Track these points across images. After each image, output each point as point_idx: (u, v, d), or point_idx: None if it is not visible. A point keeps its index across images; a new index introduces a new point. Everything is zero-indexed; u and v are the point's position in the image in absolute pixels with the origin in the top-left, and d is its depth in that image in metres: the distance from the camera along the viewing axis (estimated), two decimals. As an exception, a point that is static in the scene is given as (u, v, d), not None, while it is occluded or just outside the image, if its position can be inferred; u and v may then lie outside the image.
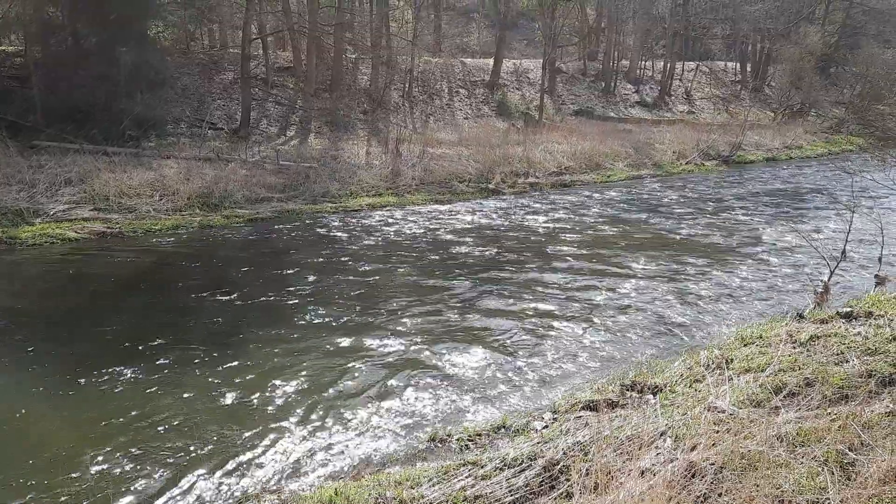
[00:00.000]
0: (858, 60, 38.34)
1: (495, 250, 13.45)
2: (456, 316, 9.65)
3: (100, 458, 5.97)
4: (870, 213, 12.84)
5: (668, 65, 39.58)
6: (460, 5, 48.93)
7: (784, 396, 5.96)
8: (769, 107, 40.90)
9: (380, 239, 14.30)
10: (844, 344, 7.11)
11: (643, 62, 41.14)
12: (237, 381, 7.53)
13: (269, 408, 6.95)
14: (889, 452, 4.62)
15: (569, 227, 15.75)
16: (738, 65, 45.34)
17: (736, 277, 11.66)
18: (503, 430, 6.47)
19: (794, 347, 7.33)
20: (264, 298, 10.31)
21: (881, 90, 32.94)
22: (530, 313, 9.79)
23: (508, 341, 8.77)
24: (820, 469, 4.59)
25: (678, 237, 14.81)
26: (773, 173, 26.13)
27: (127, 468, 5.86)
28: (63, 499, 5.47)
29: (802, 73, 37.08)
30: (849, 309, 8.50)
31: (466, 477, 5.22)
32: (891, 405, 5.46)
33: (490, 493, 4.96)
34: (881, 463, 4.51)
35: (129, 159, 17.75)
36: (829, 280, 9.85)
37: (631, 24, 41.07)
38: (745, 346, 7.86)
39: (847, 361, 6.59)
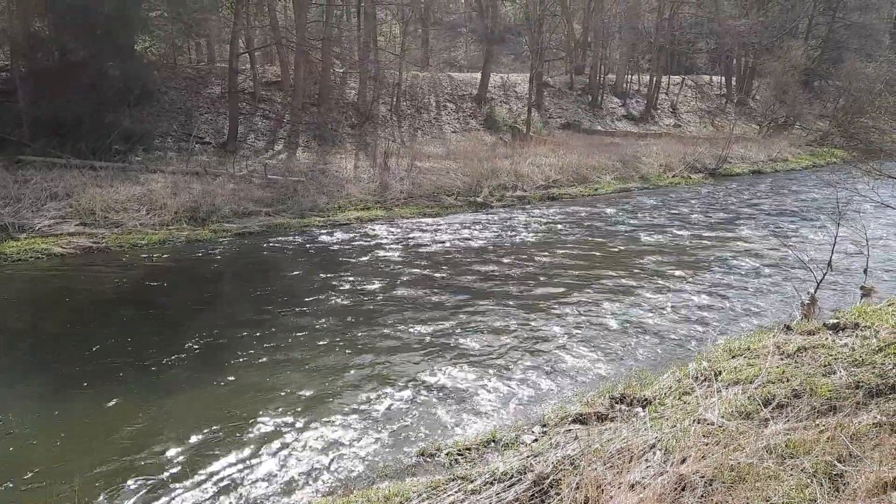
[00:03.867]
0: (841, 74, 38.80)
1: (484, 264, 13.44)
2: (444, 329, 9.63)
3: (83, 474, 5.90)
4: (855, 225, 12.94)
5: (654, 79, 39.88)
6: (448, 20, 49.24)
7: (773, 408, 5.97)
8: (754, 120, 41.27)
9: (368, 253, 14.27)
10: (832, 355, 7.15)
11: (629, 76, 41.45)
12: (223, 396, 7.48)
13: (257, 423, 6.89)
14: (877, 464, 4.63)
15: (557, 240, 15.79)
16: (724, 78, 45.76)
17: (724, 289, 11.71)
18: (493, 443, 6.45)
19: (782, 359, 7.36)
20: (251, 313, 10.25)
21: (864, 104, 33.31)
22: (519, 326, 9.78)
23: (497, 354, 8.75)
24: (809, 481, 4.59)
25: (665, 250, 14.86)
26: (758, 186, 26.33)
27: (110, 484, 5.80)
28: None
29: (787, 87, 37.47)
30: (835, 320, 8.55)
31: (456, 492, 5.19)
32: (878, 416, 5.48)
33: (480, 507, 4.93)
34: (869, 474, 4.52)
35: (115, 174, 17.66)
36: (815, 292, 9.91)
37: (617, 39, 41.37)
38: (733, 357, 7.89)
39: (834, 373, 6.62)
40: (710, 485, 4.64)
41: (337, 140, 26.20)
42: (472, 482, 5.30)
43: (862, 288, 11.08)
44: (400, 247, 14.82)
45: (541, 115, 34.79)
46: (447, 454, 6.25)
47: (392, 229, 16.70)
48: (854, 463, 4.78)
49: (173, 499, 5.66)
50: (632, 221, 18.33)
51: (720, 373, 7.26)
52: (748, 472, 4.74)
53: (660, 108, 40.46)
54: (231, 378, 7.95)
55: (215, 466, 6.10)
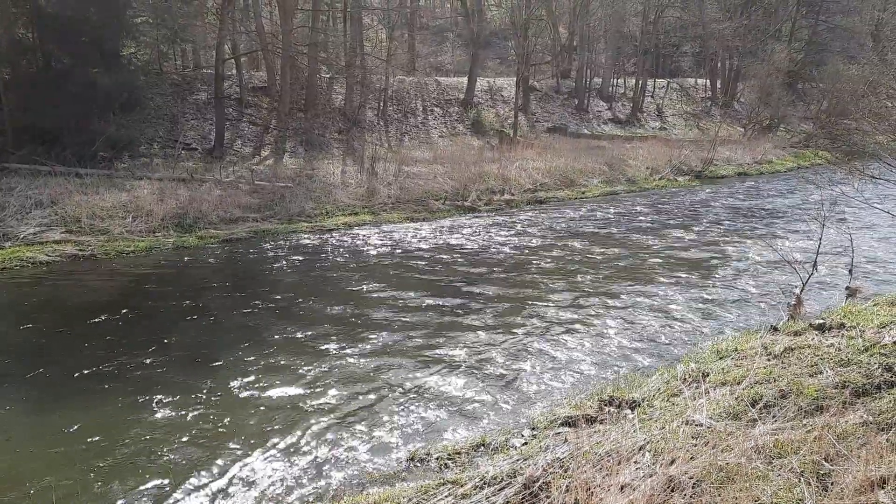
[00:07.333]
0: (824, 76, 39.19)
1: (471, 268, 13.45)
2: (433, 334, 9.62)
3: (69, 485, 5.85)
4: (840, 226, 13.05)
5: (640, 82, 40.13)
6: (434, 24, 49.33)
7: (760, 408, 6.01)
8: (739, 122, 41.57)
9: (355, 258, 14.25)
10: (818, 356, 7.19)
11: (615, 80, 41.67)
12: (211, 404, 7.44)
13: (244, 430, 6.85)
14: (864, 463, 4.66)
15: (544, 244, 15.82)
16: (708, 81, 46.08)
17: (710, 291, 11.77)
18: (482, 447, 6.44)
19: (769, 360, 7.40)
20: (238, 320, 10.22)
21: (847, 105, 33.62)
22: (507, 330, 9.78)
23: (486, 359, 8.75)
24: (797, 480, 4.62)
25: (652, 252, 14.92)
26: (743, 188, 26.50)
27: (96, 495, 5.75)
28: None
29: (771, 90, 37.76)
30: (821, 321, 8.60)
31: (446, 496, 5.18)
32: (865, 416, 5.52)
33: (470, 512, 4.93)
34: (857, 473, 4.55)
35: (101, 181, 17.56)
36: (801, 292, 9.98)
37: (603, 43, 41.60)
38: (720, 359, 7.92)
39: (821, 373, 6.66)
40: (699, 485, 4.66)
41: (324, 145, 26.20)
42: (462, 486, 5.30)
43: (847, 288, 11.17)
44: (388, 251, 14.81)
45: (527, 118, 34.93)
46: (437, 459, 6.23)
47: (380, 234, 16.68)
48: (841, 462, 4.81)
49: (162, 507, 5.63)
50: (618, 224, 18.40)
51: (708, 374, 7.29)
52: (736, 472, 4.76)
53: (646, 111, 40.69)
54: (218, 385, 7.90)
55: (203, 475, 6.05)
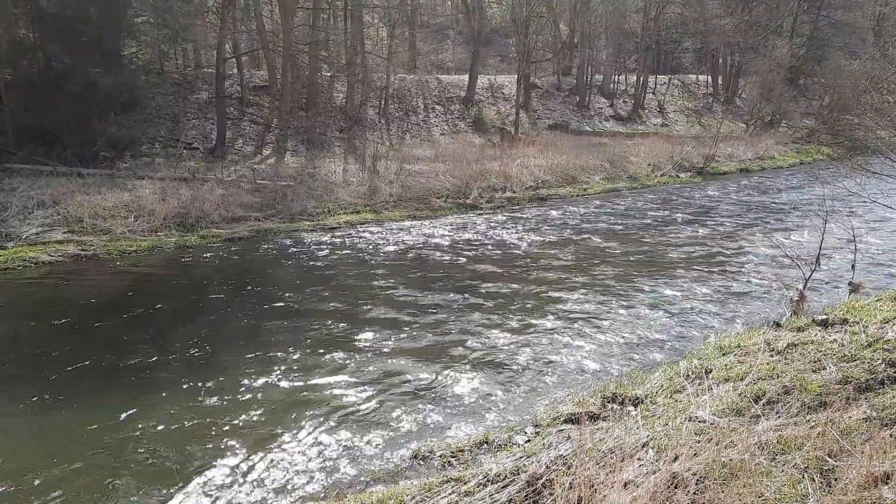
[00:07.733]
0: (826, 72, 39.05)
1: (474, 266, 13.45)
2: (436, 332, 9.62)
3: (72, 484, 5.86)
4: (842, 221, 13.01)
5: (641, 78, 40.05)
6: (435, 22, 49.28)
7: (763, 404, 6.00)
8: (741, 118, 41.47)
9: (358, 256, 14.25)
10: (821, 351, 7.18)
11: (616, 76, 41.59)
12: (214, 403, 7.45)
13: (247, 429, 6.86)
14: (868, 458, 4.65)
15: (546, 240, 15.81)
16: (710, 78, 45.97)
17: (713, 287, 11.75)
18: (486, 445, 6.45)
19: (772, 356, 7.39)
20: (242, 319, 10.22)
21: (848, 101, 33.56)
22: (510, 328, 9.79)
23: (489, 356, 8.76)
24: (801, 476, 4.61)
25: (655, 248, 14.90)
26: (746, 183, 26.45)
27: (99, 494, 5.76)
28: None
29: (772, 85, 37.64)
30: (824, 316, 8.60)
31: (450, 494, 5.18)
32: (868, 411, 5.52)
33: (474, 509, 4.93)
34: (860, 469, 4.54)
35: (103, 180, 17.56)
36: (804, 288, 9.97)
37: (603, 39, 41.54)
38: (723, 355, 7.92)
39: (824, 368, 6.65)
40: (703, 482, 4.66)
41: (325, 144, 26.18)
42: (465, 484, 5.30)
43: (850, 283, 11.15)
44: (390, 250, 14.81)
45: (529, 116, 34.86)
46: (441, 456, 6.24)
47: (382, 232, 16.67)
48: (845, 458, 4.80)
49: (166, 506, 5.64)
50: (620, 221, 18.37)
51: (711, 370, 7.29)
52: (740, 468, 4.76)
53: (647, 107, 40.62)
54: (221, 383, 7.91)
55: (205, 475, 6.06)
